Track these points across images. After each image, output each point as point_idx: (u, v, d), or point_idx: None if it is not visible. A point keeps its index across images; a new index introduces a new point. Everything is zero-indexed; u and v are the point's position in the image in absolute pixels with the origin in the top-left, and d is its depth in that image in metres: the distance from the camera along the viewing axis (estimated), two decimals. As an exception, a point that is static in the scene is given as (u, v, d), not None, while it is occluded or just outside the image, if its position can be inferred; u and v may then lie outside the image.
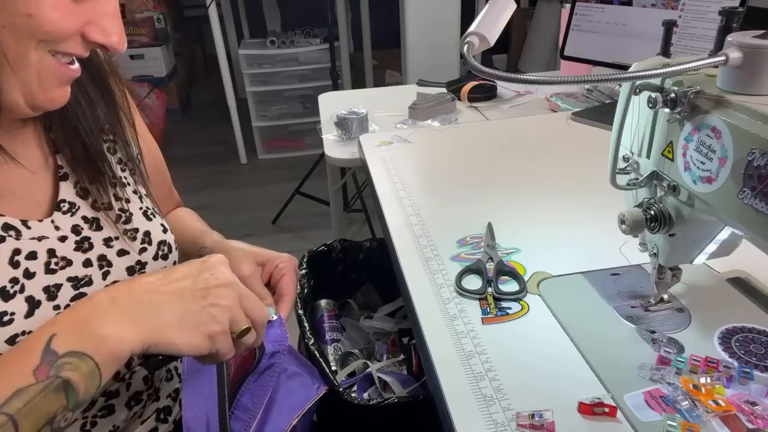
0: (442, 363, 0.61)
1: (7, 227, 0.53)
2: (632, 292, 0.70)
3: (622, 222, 0.62)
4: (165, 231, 0.68)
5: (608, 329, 0.64)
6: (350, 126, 1.34)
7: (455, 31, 2.55)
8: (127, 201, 0.65)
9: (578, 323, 0.65)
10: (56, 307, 0.55)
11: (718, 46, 0.50)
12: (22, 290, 0.53)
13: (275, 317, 0.65)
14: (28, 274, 0.54)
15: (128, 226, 0.64)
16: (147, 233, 0.65)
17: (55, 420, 0.44)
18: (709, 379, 0.55)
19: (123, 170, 0.67)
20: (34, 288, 0.54)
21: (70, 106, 0.59)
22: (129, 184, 0.67)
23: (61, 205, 0.59)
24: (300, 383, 0.71)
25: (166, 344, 0.48)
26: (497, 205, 0.93)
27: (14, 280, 0.52)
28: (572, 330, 0.64)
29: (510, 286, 0.73)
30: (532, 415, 0.53)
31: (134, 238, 0.64)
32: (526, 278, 0.74)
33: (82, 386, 0.45)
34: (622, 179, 0.64)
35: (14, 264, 0.53)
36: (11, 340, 0.50)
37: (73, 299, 0.56)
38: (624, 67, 1.28)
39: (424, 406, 0.74)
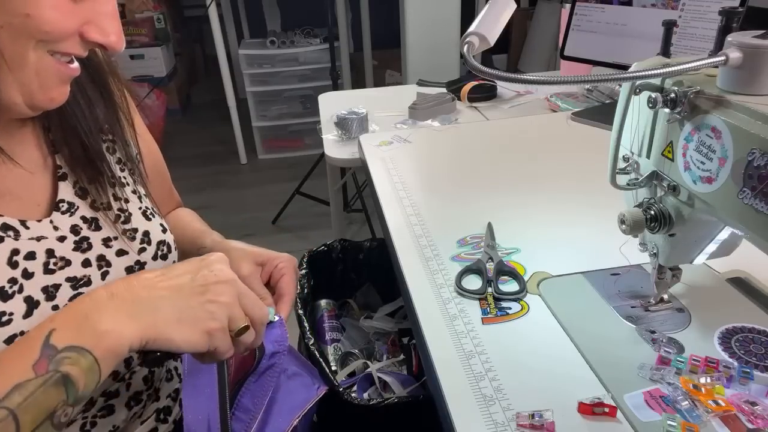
0: (442, 363, 0.61)
1: (6, 227, 0.53)
2: (632, 292, 0.70)
3: (622, 222, 0.62)
4: (164, 231, 0.68)
5: (608, 329, 0.64)
6: (350, 126, 1.34)
7: (455, 31, 2.55)
8: (126, 201, 0.65)
9: (578, 323, 0.65)
10: (55, 307, 0.55)
11: (718, 46, 0.50)
12: (20, 290, 0.53)
13: (276, 318, 0.64)
14: (27, 275, 0.54)
15: (127, 226, 0.64)
16: (146, 233, 0.65)
17: (55, 415, 0.44)
18: (709, 379, 0.55)
19: (122, 170, 0.67)
20: (33, 288, 0.54)
21: (69, 105, 0.59)
22: (128, 184, 0.67)
23: (60, 205, 0.59)
24: (300, 383, 0.71)
25: (164, 340, 0.48)
26: (497, 205, 0.93)
27: (13, 281, 0.52)
28: (572, 330, 0.64)
29: (510, 286, 0.73)
30: (532, 415, 0.53)
31: (133, 238, 0.64)
32: (526, 278, 0.74)
33: (81, 381, 0.45)
34: (622, 179, 0.64)
35: (13, 264, 0.53)
36: (9, 341, 0.50)
37: (71, 299, 0.56)
38: (624, 67, 1.28)
39: (424, 406, 0.74)
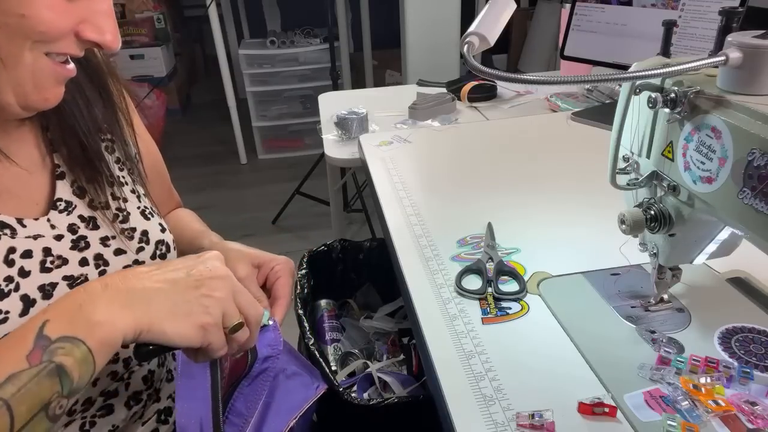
0: (442, 363, 0.60)
1: (2, 225, 0.53)
2: (632, 292, 0.70)
3: (622, 222, 0.62)
4: (163, 230, 0.68)
5: (608, 329, 0.64)
6: (350, 126, 1.34)
7: (455, 31, 2.55)
8: (125, 200, 0.65)
9: (578, 323, 0.65)
10: None
11: (718, 46, 0.50)
12: (17, 289, 0.53)
13: (270, 322, 0.64)
14: (23, 273, 0.54)
15: (125, 225, 0.63)
16: (145, 232, 0.65)
17: (49, 407, 0.44)
18: (709, 379, 0.55)
19: (121, 169, 0.67)
20: (29, 287, 0.54)
21: (68, 105, 0.59)
22: (127, 184, 0.67)
23: (58, 203, 0.59)
24: (299, 383, 0.71)
25: (158, 332, 0.48)
26: (497, 205, 0.93)
27: (9, 279, 0.52)
28: (572, 330, 0.64)
29: (510, 286, 0.73)
30: (532, 415, 0.53)
31: (131, 238, 0.64)
32: (526, 278, 0.74)
33: (75, 372, 0.44)
34: (622, 179, 0.64)
35: (9, 262, 0.53)
36: None
37: None
38: (624, 67, 1.28)
39: (424, 406, 0.74)
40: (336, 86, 2.66)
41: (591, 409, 0.53)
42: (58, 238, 0.58)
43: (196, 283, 0.50)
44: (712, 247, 0.60)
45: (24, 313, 0.52)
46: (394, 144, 1.22)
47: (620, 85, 0.60)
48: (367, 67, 3.73)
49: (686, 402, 0.53)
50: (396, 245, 0.83)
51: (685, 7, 1.21)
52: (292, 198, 2.64)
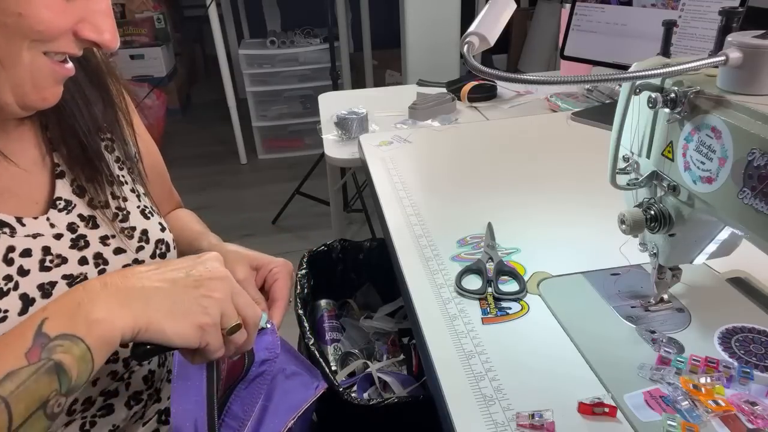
0: (442, 363, 0.61)
1: (2, 224, 0.54)
2: (632, 292, 0.70)
3: (622, 222, 0.62)
4: (163, 230, 0.68)
5: (608, 329, 0.64)
6: (350, 126, 1.34)
7: (455, 31, 2.55)
8: (125, 199, 0.65)
9: (578, 323, 0.65)
10: None
11: (718, 46, 0.50)
12: (16, 287, 0.53)
13: (268, 325, 0.64)
14: (23, 272, 0.54)
15: (125, 225, 0.63)
16: (144, 231, 0.65)
17: (48, 405, 0.44)
18: (709, 379, 0.55)
19: (120, 169, 0.67)
20: (29, 285, 0.54)
21: (67, 105, 0.59)
22: (126, 183, 0.67)
23: (57, 202, 0.59)
24: (299, 382, 0.71)
25: (156, 330, 0.48)
26: (497, 205, 0.93)
27: (8, 278, 0.52)
28: (572, 330, 0.64)
29: (510, 286, 0.73)
30: (532, 415, 0.53)
31: (131, 237, 0.64)
32: (526, 278, 0.74)
33: (74, 370, 0.44)
34: (622, 179, 0.64)
35: (8, 261, 0.53)
36: None
37: None
38: (624, 67, 1.28)
39: (424, 406, 0.74)
40: (336, 86, 2.66)
41: (591, 409, 0.53)
42: (58, 237, 0.58)
43: (196, 283, 0.51)
44: (712, 247, 0.60)
45: (23, 311, 0.52)
46: (394, 144, 1.22)
47: (620, 85, 0.60)
48: (367, 67, 3.73)
49: (686, 402, 0.53)
50: (396, 245, 0.83)
51: (685, 7, 1.21)
52: (292, 198, 2.64)
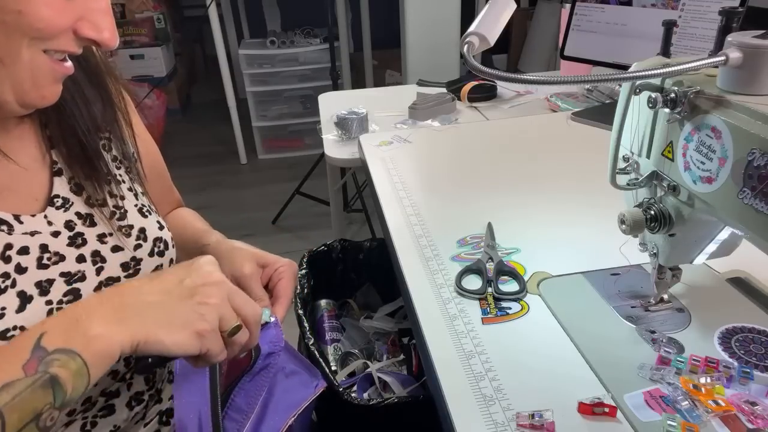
0: (442, 363, 0.61)
1: (0, 222, 0.54)
2: (632, 292, 0.70)
3: (622, 222, 0.62)
4: (161, 228, 0.68)
5: (608, 329, 0.64)
6: (350, 126, 1.34)
7: (455, 31, 2.55)
8: (122, 198, 0.65)
9: (578, 323, 0.65)
10: (48, 302, 0.55)
11: (718, 46, 0.50)
12: (13, 285, 0.53)
13: (272, 319, 0.64)
14: (20, 269, 0.54)
15: (123, 223, 0.64)
16: (142, 230, 0.65)
17: (41, 418, 0.44)
18: (709, 379, 0.55)
19: (118, 168, 0.67)
20: (26, 283, 0.54)
21: (67, 105, 0.59)
22: (124, 182, 0.67)
23: (55, 200, 0.59)
24: (298, 381, 0.71)
25: (155, 343, 0.48)
26: (497, 205, 0.93)
27: (5, 275, 0.52)
28: (572, 330, 0.64)
29: (510, 286, 0.73)
30: (532, 415, 0.53)
31: (129, 235, 0.64)
32: (526, 278, 0.74)
33: (69, 384, 0.45)
34: (622, 179, 0.64)
35: (6, 259, 0.53)
36: (2, 335, 0.50)
37: (65, 294, 0.56)
38: (624, 67, 1.28)
39: (424, 406, 0.74)
40: (336, 86, 2.66)
41: (591, 409, 0.53)
42: (55, 234, 0.58)
43: (190, 291, 0.51)
44: (712, 247, 0.60)
45: (21, 309, 0.52)
46: (394, 144, 1.22)
47: (620, 85, 0.60)
48: (367, 67, 3.73)
49: (686, 402, 0.53)
50: (396, 245, 0.83)
51: (685, 7, 1.21)
52: (292, 198, 2.64)
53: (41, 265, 0.55)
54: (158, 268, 0.65)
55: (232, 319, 0.52)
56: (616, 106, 0.60)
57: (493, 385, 0.57)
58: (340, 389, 0.76)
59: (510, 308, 0.69)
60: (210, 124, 3.94)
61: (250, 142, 3.33)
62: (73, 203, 0.61)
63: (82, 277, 0.58)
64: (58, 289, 0.56)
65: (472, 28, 0.63)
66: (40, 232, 0.56)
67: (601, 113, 1.31)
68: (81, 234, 0.60)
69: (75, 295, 0.57)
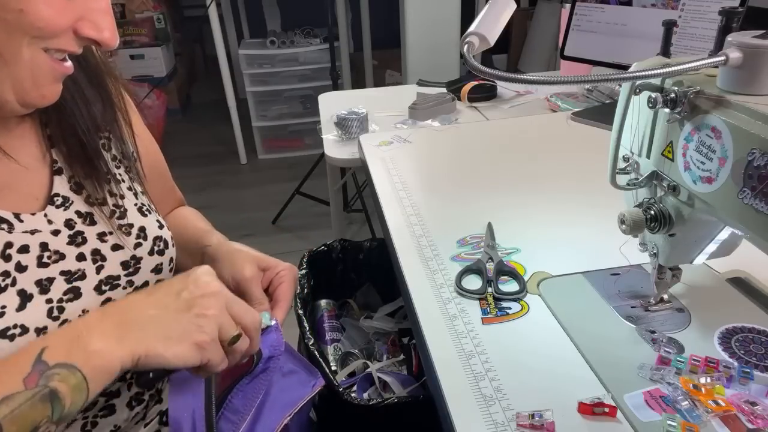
0: (442, 363, 0.61)
1: (0, 220, 0.54)
2: (632, 292, 0.70)
3: (622, 222, 0.62)
4: (161, 227, 0.68)
5: (608, 329, 0.64)
6: (350, 126, 1.34)
7: (455, 31, 2.55)
8: (122, 197, 0.65)
9: (578, 323, 0.65)
10: (48, 301, 0.55)
11: (718, 46, 0.50)
12: (13, 283, 0.53)
13: (272, 322, 0.64)
14: (20, 268, 0.54)
15: (122, 222, 0.64)
16: (142, 229, 0.65)
17: (38, 431, 0.45)
18: (709, 379, 0.55)
19: (118, 167, 0.67)
20: (26, 281, 0.54)
21: (67, 104, 0.60)
22: (124, 181, 0.67)
23: (55, 199, 0.59)
24: (296, 381, 0.71)
25: (155, 357, 0.49)
26: (497, 205, 0.93)
27: (5, 274, 0.52)
28: (572, 330, 0.64)
29: (510, 286, 0.73)
30: (532, 415, 0.53)
31: (129, 234, 0.64)
32: (526, 278, 0.74)
33: (68, 398, 0.46)
34: (622, 179, 0.64)
35: (6, 257, 0.53)
36: (2, 333, 0.50)
37: (65, 293, 0.56)
38: (624, 67, 1.28)
39: (424, 406, 0.74)
40: (336, 86, 2.66)
41: (591, 409, 0.53)
42: (55, 233, 0.58)
43: (187, 304, 0.52)
44: (712, 247, 0.60)
45: (21, 307, 0.52)
46: (394, 144, 1.22)
47: (620, 85, 0.60)
48: (367, 67, 3.73)
49: (686, 402, 0.53)
50: (396, 245, 0.83)
51: (685, 7, 1.21)
52: (292, 198, 2.64)
53: (41, 264, 0.56)
54: (158, 266, 0.65)
55: (231, 329, 0.53)
56: (616, 106, 0.60)
57: (493, 385, 0.57)
58: (340, 389, 0.76)
59: (510, 308, 0.69)
60: (210, 124, 3.94)
61: (250, 142, 3.33)
62: (73, 202, 0.61)
63: (82, 276, 0.58)
64: (58, 287, 0.56)
65: (472, 28, 0.63)
66: (40, 231, 0.57)
67: (601, 113, 1.31)
68: (81, 233, 0.60)
69: (75, 293, 0.57)
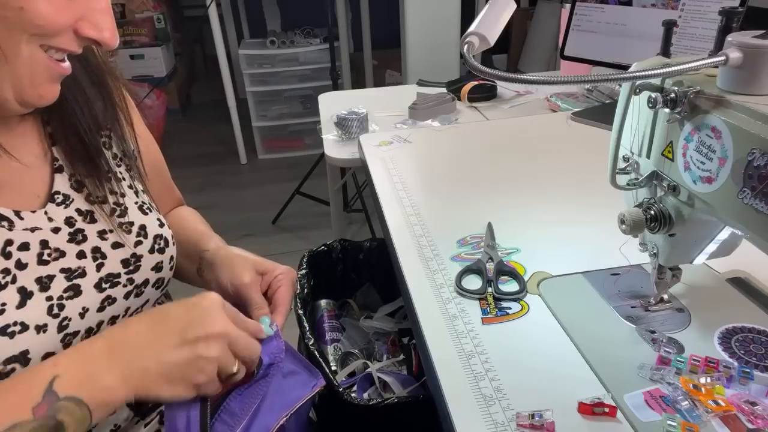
0: (442, 363, 0.61)
1: (0, 218, 0.54)
2: (632, 292, 0.70)
3: (622, 222, 0.62)
4: (161, 225, 0.68)
5: (608, 329, 0.64)
6: (350, 126, 1.34)
7: (455, 31, 2.55)
8: (122, 195, 0.65)
9: (578, 323, 0.65)
10: (48, 298, 0.55)
11: (718, 46, 0.50)
12: (14, 281, 0.53)
13: (274, 328, 0.64)
14: (20, 265, 0.54)
15: (123, 220, 0.64)
16: (143, 227, 0.65)
17: None
18: (709, 379, 0.55)
19: (119, 165, 0.68)
20: (26, 279, 0.54)
21: (69, 104, 0.60)
22: (124, 179, 0.67)
23: (55, 196, 0.59)
24: (296, 381, 0.70)
25: (154, 395, 0.52)
26: (497, 205, 0.93)
27: (6, 271, 0.53)
28: (572, 330, 0.64)
29: (510, 286, 0.73)
30: (532, 415, 0.53)
31: (129, 232, 0.64)
32: (526, 278, 0.74)
33: (71, 430, 0.47)
34: (622, 179, 0.64)
35: (6, 255, 0.53)
36: (2, 330, 0.50)
37: (65, 290, 0.56)
38: (624, 67, 1.28)
39: (424, 406, 0.74)
40: (336, 86, 2.66)
41: (591, 409, 0.53)
42: (56, 230, 0.58)
43: (191, 347, 0.53)
44: (712, 247, 0.60)
45: (21, 305, 0.52)
46: (394, 144, 1.22)
47: (620, 85, 0.60)
48: (367, 67, 3.73)
49: (686, 402, 0.53)
50: (396, 245, 0.83)
51: (685, 7, 1.21)
52: (292, 198, 2.64)
53: (41, 261, 0.56)
54: (158, 264, 0.66)
55: (231, 366, 0.55)
56: (616, 106, 0.60)
57: (493, 385, 0.57)
58: (340, 389, 0.76)
59: (510, 308, 0.69)
60: (210, 124, 3.94)
61: (250, 142, 3.33)
62: (73, 200, 0.61)
63: (83, 273, 0.58)
64: (59, 285, 0.56)
65: (472, 28, 0.63)
66: (41, 228, 0.57)
67: (601, 113, 1.31)
68: (81, 230, 0.60)
69: (75, 291, 0.57)
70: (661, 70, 0.48)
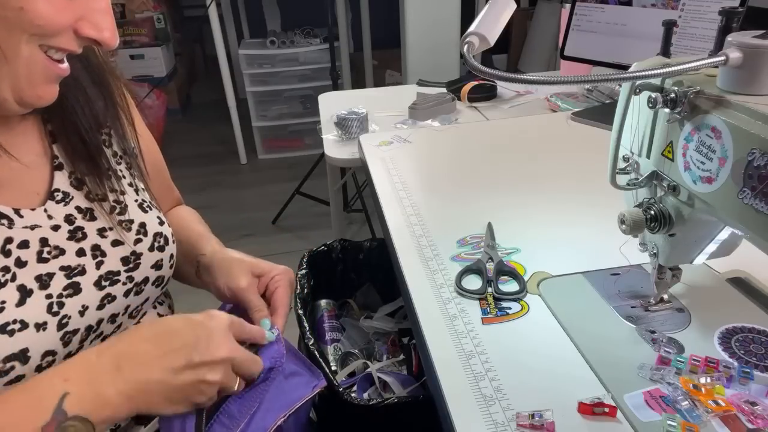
0: (442, 363, 0.61)
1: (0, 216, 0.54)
2: (632, 292, 0.70)
3: (622, 222, 0.62)
4: (162, 223, 0.68)
5: (608, 329, 0.64)
6: (350, 126, 1.34)
7: (455, 31, 2.55)
8: (122, 193, 0.65)
9: (578, 323, 0.65)
10: (48, 296, 0.55)
11: (718, 46, 0.50)
12: (13, 279, 0.53)
13: (275, 332, 0.64)
14: (20, 263, 0.54)
15: (123, 217, 0.64)
16: (142, 225, 0.65)
17: None
18: (709, 379, 0.55)
19: (119, 163, 0.68)
20: (26, 277, 0.54)
21: (69, 103, 0.60)
22: (125, 177, 0.67)
23: (55, 194, 0.60)
24: (297, 382, 0.70)
25: (155, 412, 0.53)
26: (497, 205, 0.93)
27: (5, 269, 0.53)
28: (572, 330, 0.64)
29: (510, 286, 0.73)
30: (532, 415, 0.53)
31: (129, 230, 0.64)
32: (526, 278, 0.74)
33: None
34: (622, 179, 0.64)
35: (6, 252, 0.53)
36: (2, 328, 0.51)
37: (65, 288, 0.56)
38: (624, 67, 1.28)
39: (424, 406, 0.74)
40: (336, 86, 2.66)
41: (591, 409, 0.53)
42: (55, 228, 0.58)
43: (195, 373, 0.53)
44: (712, 247, 0.60)
45: (21, 303, 0.53)
46: (394, 144, 1.22)
47: (620, 85, 0.60)
48: (367, 67, 3.73)
49: (686, 402, 0.53)
50: (396, 245, 0.83)
51: (685, 7, 1.21)
52: (292, 198, 2.64)
53: (41, 259, 0.56)
54: (158, 262, 0.66)
55: (232, 386, 0.57)
56: (616, 106, 0.60)
57: (493, 385, 0.57)
58: (340, 389, 0.76)
59: (510, 308, 0.69)
60: (210, 124, 3.94)
61: (250, 142, 3.33)
62: (73, 197, 0.61)
63: (82, 271, 0.58)
64: (58, 282, 0.56)
65: (472, 28, 0.63)
66: (40, 226, 0.57)
67: (601, 113, 1.31)
68: (81, 228, 0.60)
69: (75, 288, 0.57)
70: (661, 70, 0.48)
